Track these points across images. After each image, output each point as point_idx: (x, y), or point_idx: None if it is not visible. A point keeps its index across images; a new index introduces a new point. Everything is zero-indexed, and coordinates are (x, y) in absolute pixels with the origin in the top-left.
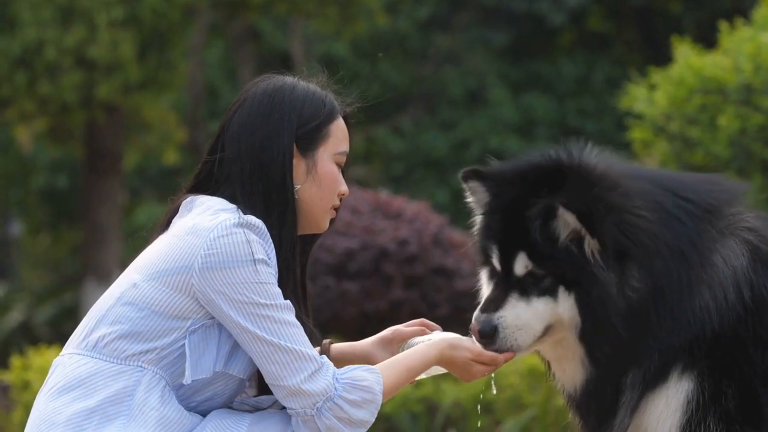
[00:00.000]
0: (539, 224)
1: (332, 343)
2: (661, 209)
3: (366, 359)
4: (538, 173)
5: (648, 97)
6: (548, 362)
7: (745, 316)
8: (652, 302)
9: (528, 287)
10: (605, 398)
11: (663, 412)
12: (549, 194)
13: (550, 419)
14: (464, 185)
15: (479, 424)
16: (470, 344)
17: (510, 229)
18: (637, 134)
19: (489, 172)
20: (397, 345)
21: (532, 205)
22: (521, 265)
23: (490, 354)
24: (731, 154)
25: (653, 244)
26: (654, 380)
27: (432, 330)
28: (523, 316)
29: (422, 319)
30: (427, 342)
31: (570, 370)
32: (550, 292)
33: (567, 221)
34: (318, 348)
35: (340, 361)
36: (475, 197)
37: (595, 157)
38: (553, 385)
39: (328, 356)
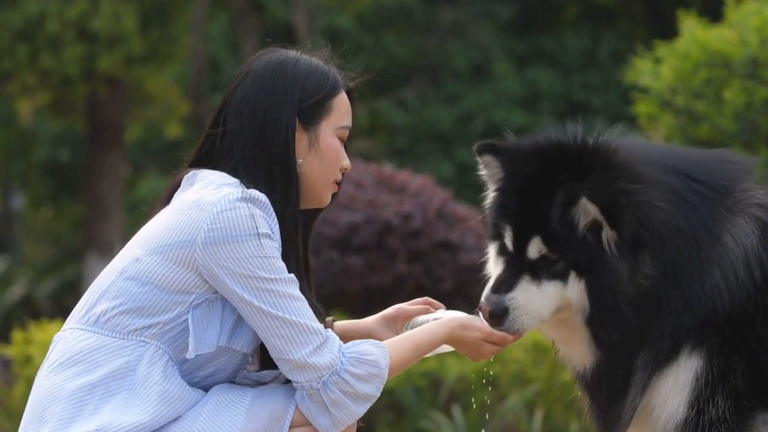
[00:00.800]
0: (559, 211)
1: (335, 320)
2: (677, 198)
3: (369, 336)
4: (557, 155)
5: (653, 70)
6: (553, 342)
7: (755, 294)
8: (663, 287)
9: (539, 270)
10: (617, 379)
11: (672, 389)
12: (570, 180)
13: (554, 394)
14: (478, 158)
15: (487, 400)
16: (480, 324)
17: (526, 210)
18: (642, 108)
19: (505, 148)
20: (400, 323)
21: (551, 189)
22: (535, 248)
23: (499, 334)
24: (737, 127)
25: (668, 233)
26: (665, 359)
27: (436, 308)
28: (533, 299)
29: (426, 297)
30: (437, 321)
31: (578, 352)
32: (561, 277)
33: (588, 211)
34: (321, 325)
35: (342, 338)
36: (488, 171)
37: (612, 138)
38: (558, 360)
39: None
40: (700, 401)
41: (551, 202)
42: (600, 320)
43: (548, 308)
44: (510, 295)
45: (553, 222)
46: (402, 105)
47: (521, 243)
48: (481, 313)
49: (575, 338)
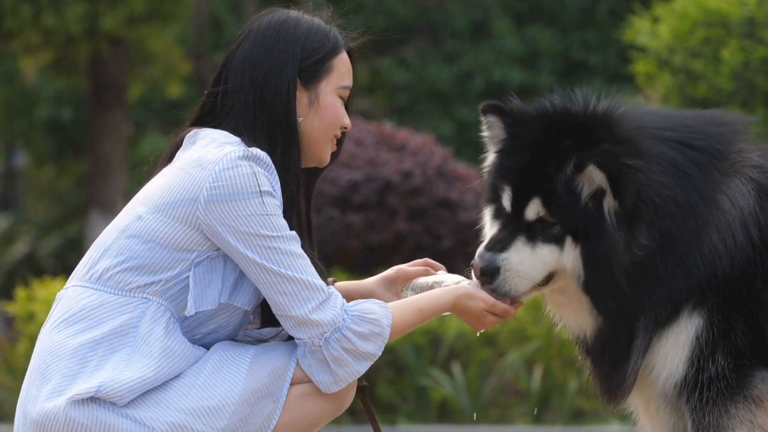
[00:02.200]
0: (566, 177)
1: (335, 281)
2: (674, 169)
3: (369, 297)
4: (563, 120)
5: (652, 30)
6: (550, 307)
7: (754, 254)
8: (660, 257)
9: (535, 233)
10: (620, 345)
11: (671, 349)
12: (576, 146)
13: (553, 351)
14: (482, 118)
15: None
16: (484, 295)
17: (527, 172)
18: (640, 67)
19: (510, 110)
20: (400, 285)
21: (555, 154)
22: (533, 210)
23: (503, 306)
24: (734, 87)
25: (665, 206)
26: (666, 321)
27: (436, 270)
28: (526, 261)
29: (426, 259)
30: (442, 288)
31: (577, 319)
32: (557, 241)
33: (593, 179)
34: (323, 282)
35: (343, 298)
36: (491, 132)
37: (616, 105)
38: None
39: None
40: (700, 360)
41: (556, 167)
42: (595, 288)
43: (541, 272)
44: (503, 255)
45: (558, 186)
46: (402, 63)
47: (519, 204)
48: (473, 270)
49: (573, 305)
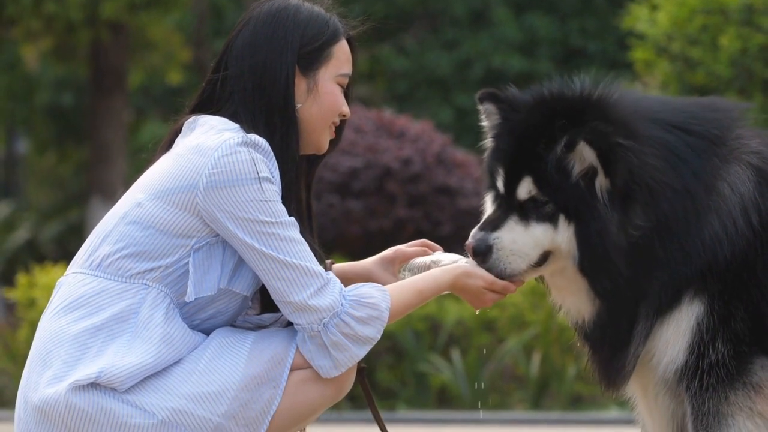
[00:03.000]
0: (557, 155)
1: (333, 263)
2: (670, 154)
3: (367, 278)
4: (557, 103)
5: (650, 17)
6: (551, 292)
7: (754, 240)
8: (658, 239)
9: (528, 212)
10: (620, 330)
11: (672, 335)
12: (567, 126)
13: (552, 337)
14: (480, 107)
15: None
16: (483, 273)
17: (519, 151)
18: (639, 54)
19: (505, 96)
20: (398, 265)
21: (547, 133)
22: (525, 189)
23: (502, 283)
24: (732, 74)
25: (660, 189)
26: (667, 308)
27: (433, 250)
28: (519, 240)
29: (424, 240)
30: (441, 267)
31: (575, 302)
32: (551, 220)
33: (584, 157)
34: (322, 268)
35: (340, 280)
36: (489, 121)
37: (612, 90)
38: (554, 304)
39: None
40: (700, 346)
41: (547, 145)
42: (591, 268)
43: (534, 251)
44: (495, 234)
45: (549, 165)
46: (402, 51)
47: (512, 184)
48: (467, 250)
49: (573, 288)
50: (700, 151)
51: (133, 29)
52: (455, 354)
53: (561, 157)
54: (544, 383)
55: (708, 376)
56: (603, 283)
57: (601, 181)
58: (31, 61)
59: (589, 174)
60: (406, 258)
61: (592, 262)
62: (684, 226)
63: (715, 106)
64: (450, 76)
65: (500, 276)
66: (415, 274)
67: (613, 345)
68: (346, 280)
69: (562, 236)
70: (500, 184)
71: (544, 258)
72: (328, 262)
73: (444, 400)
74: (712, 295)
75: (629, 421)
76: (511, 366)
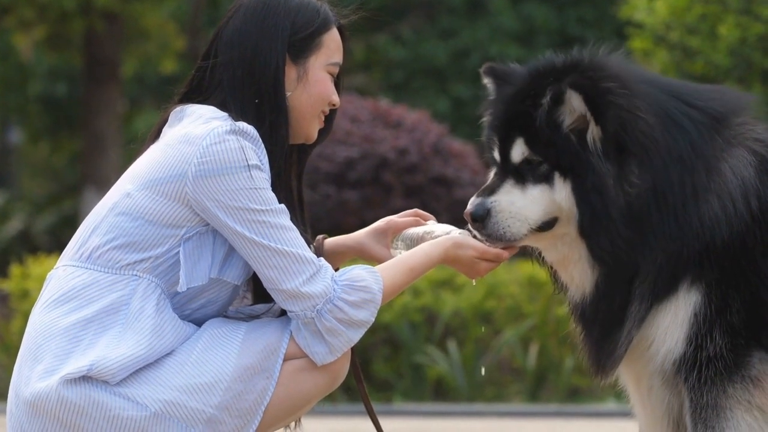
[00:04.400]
0: (545, 109)
1: (326, 237)
2: (665, 114)
3: (359, 250)
4: (546, 68)
5: (648, 5)
6: (554, 270)
7: (753, 226)
8: (654, 203)
9: (525, 174)
10: (614, 306)
11: (671, 324)
12: (555, 82)
13: (549, 328)
14: (484, 81)
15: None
16: (474, 242)
17: (510, 116)
18: (637, 44)
19: (501, 69)
20: (391, 236)
21: (537, 93)
22: (518, 151)
23: (494, 251)
24: (731, 63)
25: (652, 145)
26: (663, 291)
27: (426, 220)
28: (517, 202)
29: (416, 209)
30: (431, 241)
31: (576, 272)
32: (547, 180)
33: (573, 106)
34: (313, 254)
35: (334, 253)
36: (490, 95)
37: (609, 58)
38: (552, 294)
39: (323, 251)
40: (698, 337)
41: (535, 103)
42: (591, 227)
43: (535, 212)
44: (492, 198)
45: (538, 121)
46: (398, 40)
47: (506, 149)
48: (465, 218)
49: (574, 256)
50: (700, 124)
51: (127, 18)
52: (452, 345)
53: (550, 111)
54: (542, 375)
55: (706, 369)
56: (602, 244)
57: (592, 131)
58: (24, 51)
59: (580, 127)
60: (399, 229)
61: (592, 219)
62: (680, 198)
63: (721, 90)
64: (447, 65)
65: (501, 240)
66: (408, 245)
67: (605, 324)
68: (339, 253)
69: (559, 195)
70: (496, 152)
71: (551, 224)
72: (320, 237)
73: (440, 392)
74: (710, 284)
75: (627, 414)
76: (507, 358)
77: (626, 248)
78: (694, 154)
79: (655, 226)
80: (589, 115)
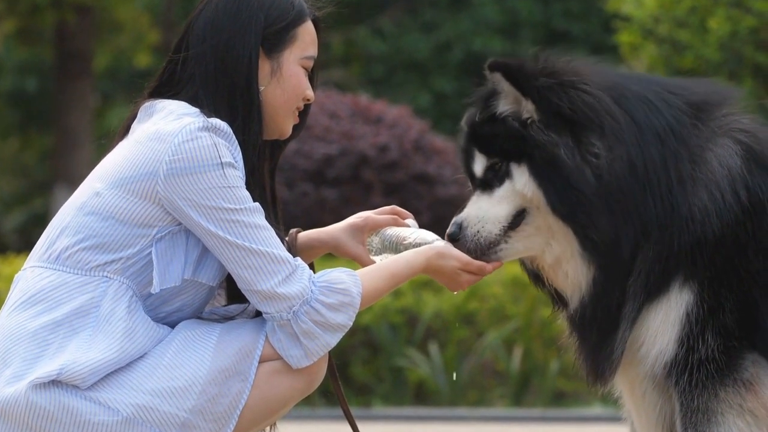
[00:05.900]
0: (479, 104)
1: (300, 231)
2: (635, 96)
3: (334, 245)
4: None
5: None
6: (553, 288)
7: (744, 218)
8: (633, 179)
9: (490, 182)
10: (611, 306)
11: (661, 325)
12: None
13: (533, 331)
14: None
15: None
16: (458, 253)
17: (468, 134)
18: (624, 37)
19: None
20: (367, 233)
21: (480, 100)
22: (479, 163)
23: (478, 263)
24: (722, 57)
25: (608, 117)
26: (655, 289)
27: (404, 217)
28: (484, 207)
29: (393, 207)
30: (414, 249)
31: (571, 269)
32: (508, 175)
33: (504, 90)
34: (290, 254)
35: (308, 247)
36: None
37: (565, 59)
38: (536, 296)
39: (296, 245)
40: (689, 339)
41: (481, 111)
42: (561, 203)
43: (503, 209)
44: (462, 214)
45: (482, 124)
46: (378, 33)
47: (469, 166)
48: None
49: (567, 253)
50: (679, 111)
51: (99, 10)
52: (433, 348)
53: (483, 104)
54: (526, 379)
55: (698, 372)
56: (581, 220)
57: (525, 107)
58: None
59: (517, 109)
60: (376, 226)
61: (558, 195)
62: (665, 180)
63: (707, 82)
64: (428, 59)
65: (478, 248)
66: (386, 246)
67: (602, 327)
68: (313, 248)
69: (519, 182)
70: (466, 171)
71: (519, 217)
72: (293, 231)
73: (421, 396)
74: (702, 283)
75: (613, 418)
76: (491, 361)
77: (611, 228)
78: (674, 137)
79: (640, 206)
80: (514, 90)
